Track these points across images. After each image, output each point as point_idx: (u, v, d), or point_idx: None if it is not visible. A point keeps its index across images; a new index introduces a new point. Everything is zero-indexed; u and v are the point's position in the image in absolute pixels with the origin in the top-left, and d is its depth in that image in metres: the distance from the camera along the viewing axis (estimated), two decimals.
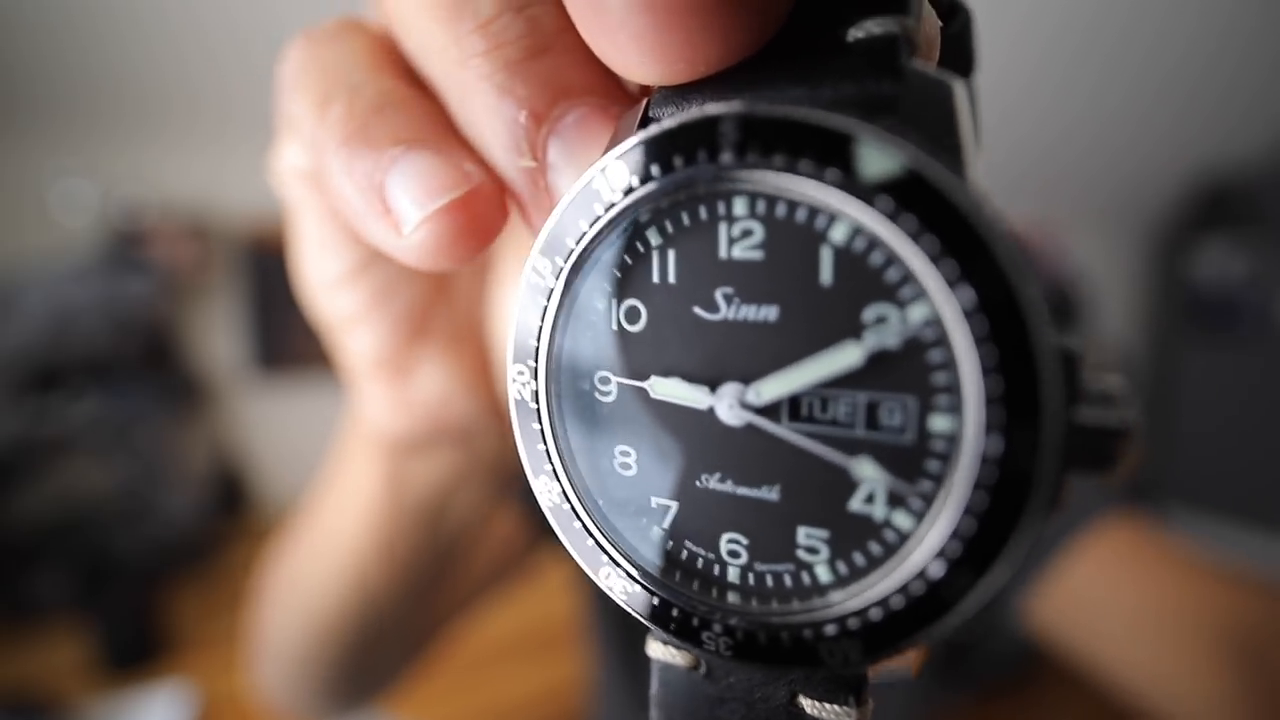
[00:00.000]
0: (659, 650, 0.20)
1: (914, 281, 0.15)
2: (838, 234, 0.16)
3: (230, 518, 1.80)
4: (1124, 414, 0.14)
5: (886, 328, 0.15)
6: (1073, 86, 2.17)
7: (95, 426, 1.49)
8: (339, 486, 0.42)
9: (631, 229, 0.18)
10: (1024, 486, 0.14)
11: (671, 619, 0.18)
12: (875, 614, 0.15)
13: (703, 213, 0.18)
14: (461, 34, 0.18)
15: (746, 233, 0.17)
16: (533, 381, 0.20)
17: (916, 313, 0.15)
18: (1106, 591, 0.55)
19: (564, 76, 0.18)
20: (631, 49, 0.16)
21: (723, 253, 0.17)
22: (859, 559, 0.16)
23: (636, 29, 0.15)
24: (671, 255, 0.18)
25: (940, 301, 0.14)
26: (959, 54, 0.22)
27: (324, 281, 0.27)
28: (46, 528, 1.44)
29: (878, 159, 0.14)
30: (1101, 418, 0.14)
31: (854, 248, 0.15)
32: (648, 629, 0.19)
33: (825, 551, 0.17)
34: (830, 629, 0.16)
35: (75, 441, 1.49)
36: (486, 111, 0.19)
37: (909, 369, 0.15)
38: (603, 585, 0.20)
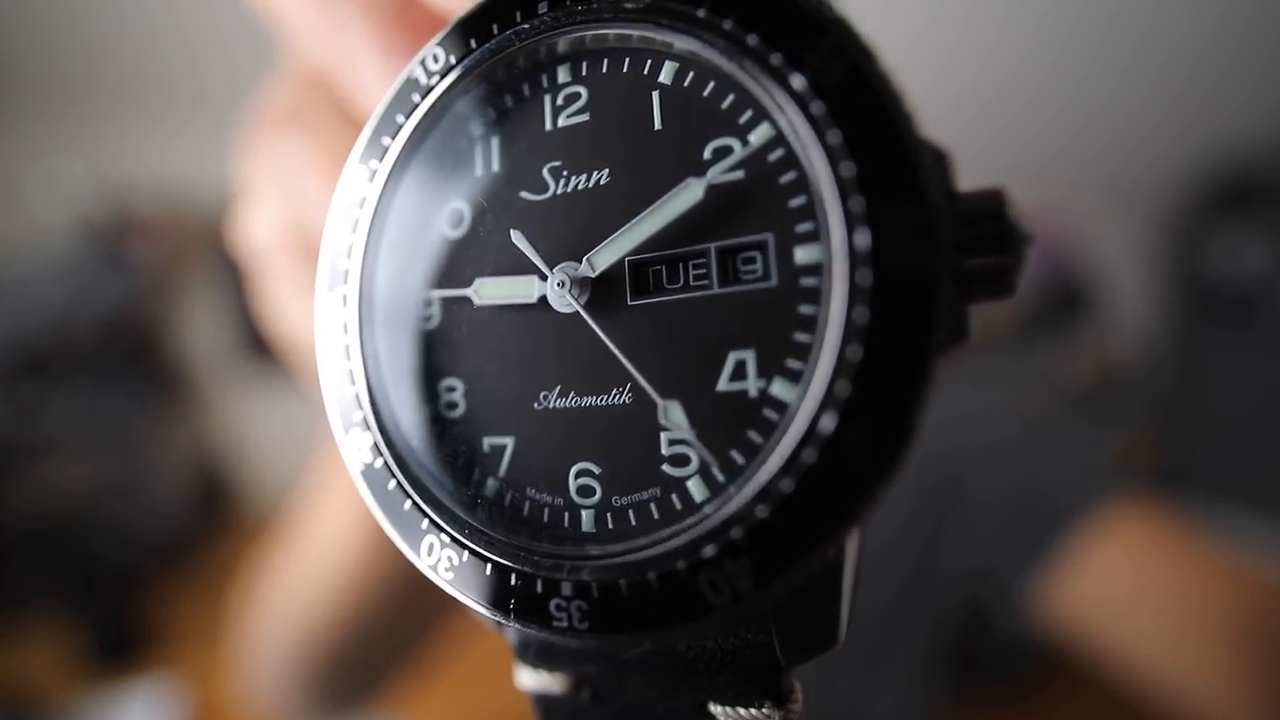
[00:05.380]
0: (531, 680, 0.16)
1: (753, 102, 0.13)
2: (665, 74, 0.14)
3: (216, 512, 1.80)
4: (1011, 215, 0.12)
5: (730, 158, 0.14)
6: (1098, 70, 2.14)
7: (80, 422, 1.49)
8: (323, 508, 0.42)
9: (452, 121, 0.17)
10: (909, 284, 0.11)
11: (511, 592, 0.14)
12: (762, 511, 0.12)
13: (525, 89, 0.16)
14: (335, 6, 0.19)
15: (572, 98, 0.16)
16: (343, 309, 0.17)
17: (759, 133, 0.13)
18: (1127, 586, 0.54)
19: (432, 19, 0.18)
20: None
21: (549, 124, 0.16)
22: (737, 456, 0.13)
23: None
24: (495, 142, 0.17)
25: (778, 105, 0.12)
26: None
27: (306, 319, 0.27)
28: (29, 525, 1.45)
29: None
30: (982, 213, 0.12)
31: (684, 84, 0.14)
32: (496, 622, 0.15)
33: (695, 458, 0.14)
34: (709, 549, 0.12)
35: (58, 437, 1.50)
36: (376, 68, 0.19)
37: (761, 202, 0.13)
38: (424, 565, 0.16)
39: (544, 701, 0.16)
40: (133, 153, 1.82)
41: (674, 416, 0.14)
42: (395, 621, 0.45)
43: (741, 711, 0.14)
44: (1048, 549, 0.57)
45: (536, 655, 0.16)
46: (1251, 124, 2.60)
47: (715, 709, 0.14)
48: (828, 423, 0.11)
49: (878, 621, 0.66)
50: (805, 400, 0.12)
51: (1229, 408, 3.05)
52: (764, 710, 0.14)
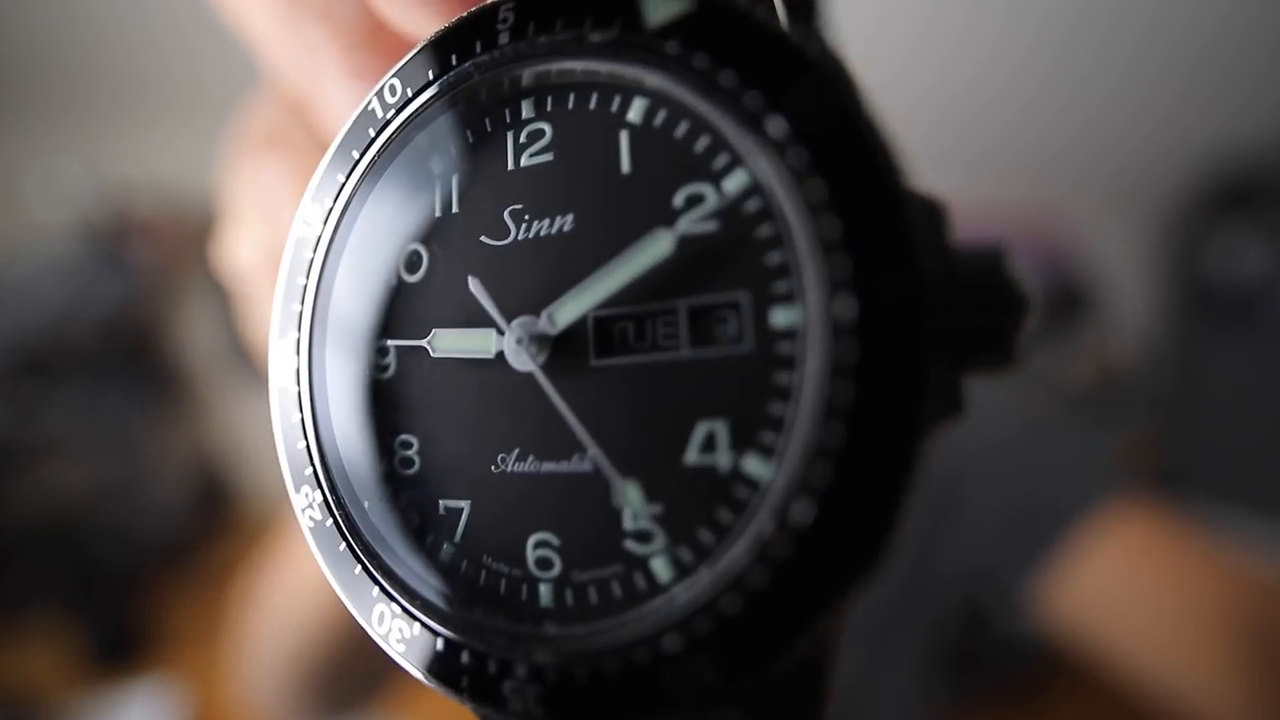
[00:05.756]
0: None
1: (727, 146, 0.12)
2: (634, 112, 0.14)
3: (216, 514, 1.80)
4: (1011, 276, 0.11)
5: (702, 208, 0.13)
6: (1097, 71, 2.13)
7: (79, 423, 1.49)
8: (304, 546, 0.43)
9: (409, 157, 0.16)
10: (897, 360, 0.10)
11: (462, 670, 0.14)
12: (729, 604, 0.11)
13: (487, 124, 0.15)
14: (305, 28, 0.19)
15: (535, 135, 0.15)
16: (295, 358, 0.16)
17: (734, 181, 0.12)
18: (1126, 586, 0.54)
19: (405, 44, 0.18)
20: (412, 14, 0.16)
21: (510, 163, 0.15)
22: (705, 536, 0.12)
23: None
24: (455, 180, 0.16)
25: (753, 151, 0.11)
26: None
27: None
28: (28, 526, 1.45)
29: (661, 2, 0.12)
30: (979, 274, 0.11)
31: (655, 124, 0.13)
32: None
33: (661, 536, 0.13)
34: (671, 641, 0.11)
35: (58, 438, 1.50)
36: (345, 91, 0.18)
37: (736, 257, 0.12)
38: (375, 635, 0.15)
39: None
40: (132, 153, 1.82)
41: (631, 496, 0.13)
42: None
43: None
44: (1046, 549, 0.57)
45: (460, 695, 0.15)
46: (1252, 125, 2.60)
47: None
48: (804, 512, 0.11)
49: (875, 622, 0.66)
50: (779, 482, 0.11)
51: (1229, 408, 3.04)
52: None
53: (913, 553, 0.66)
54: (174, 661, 1.22)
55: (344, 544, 0.16)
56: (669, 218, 0.13)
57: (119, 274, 1.62)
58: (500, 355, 0.14)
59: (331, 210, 0.16)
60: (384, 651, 0.47)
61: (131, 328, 1.66)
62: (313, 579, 0.42)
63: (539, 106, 0.15)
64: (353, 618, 0.42)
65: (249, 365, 1.87)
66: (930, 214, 0.11)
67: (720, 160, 0.13)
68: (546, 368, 0.14)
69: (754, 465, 0.12)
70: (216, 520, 1.78)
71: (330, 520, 0.16)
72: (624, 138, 0.14)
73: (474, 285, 0.15)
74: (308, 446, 0.16)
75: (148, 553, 1.50)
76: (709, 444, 0.12)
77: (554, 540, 0.14)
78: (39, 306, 1.47)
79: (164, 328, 1.83)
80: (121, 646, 1.23)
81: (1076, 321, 2.91)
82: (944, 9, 1.77)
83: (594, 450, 0.13)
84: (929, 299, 0.10)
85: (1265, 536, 2.79)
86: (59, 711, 1.06)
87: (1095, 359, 2.84)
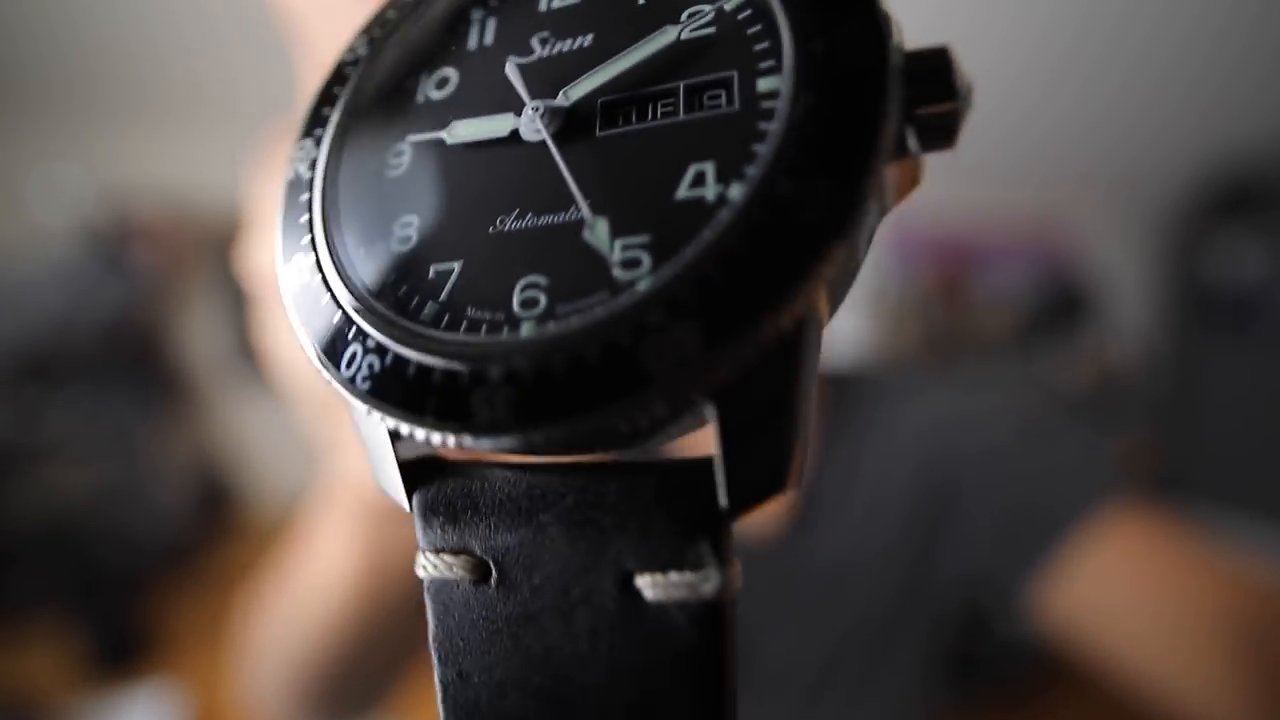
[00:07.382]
0: (429, 564, 0.14)
1: None
2: None
3: (217, 517, 1.80)
4: (954, 66, 0.13)
5: (702, 15, 0.16)
6: (1097, 78, 2.13)
7: (81, 426, 1.49)
8: (316, 550, 0.42)
9: (452, 5, 0.19)
10: (861, 76, 0.13)
11: (432, 390, 0.13)
12: (710, 269, 0.12)
13: None
14: None
15: None
16: (315, 150, 0.18)
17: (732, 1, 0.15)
18: (1124, 589, 0.54)
19: None
20: None
21: (543, 7, 0.18)
22: (690, 253, 0.13)
23: None
24: (492, 22, 0.18)
25: None
26: None
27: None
28: (30, 529, 1.44)
29: None
30: (926, 64, 0.14)
31: None
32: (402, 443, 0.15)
33: (647, 261, 0.13)
34: (654, 315, 0.12)
35: (60, 442, 1.49)
36: None
37: (729, 48, 0.15)
38: (340, 380, 0.14)
39: (439, 594, 0.14)
40: (133, 158, 1.82)
41: (629, 224, 0.14)
42: (396, 642, 0.45)
43: (674, 576, 0.12)
44: (1045, 553, 0.57)
45: (441, 528, 0.14)
46: (1251, 129, 2.61)
47: (643, 580, 0.13)
48: (783, 184, 0.12)
49: (874, 623, 0.66)
50: (757, 181, 0.13)
51: (1227, 412, 3.04)
52: (701, 572, 0.12)
53: (912, 556, 0.66)
54: (175, 665, 1.22)
55: (328, 296, 0.16)
56: (676, 19, 0.16)
57: (120, 278, 1.62)
58: (514, 134, 0.16)
59: (376, 39, 0.19)
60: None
61: (132, 331, 1.66)
62: (320, 586, 0.42)
63: None
64: (358, 624, 0.42)
65: (255, 370, 1.87)
66: (884, 16, 0.14)
67: None
68: (556, 136, 0.15)
69: (736, 190, 0.13)
70: (218, 524, 1.78)
71: (318, 278, 0.16)
72: None
73: (509, 67, 0.17)
74: (310, 220, 0.17)
75: (149, 556, 1.50)
76: (698, 180, 0.14)
77: (542, 280, 0.14)
78: (40, 311, 1.48)
79: (165, 331, 1.83)
80: (123, 650, 1.23)
81: (1076, 325, 2.91)
82: (945, 15, 1.78)
83: (579, 195, 0.15)
84: (889, 40, 0.13)
85: (1264, 540, 2.79)
86: (60, 714, 1.06)
87: (1095, 363, 2.84)
